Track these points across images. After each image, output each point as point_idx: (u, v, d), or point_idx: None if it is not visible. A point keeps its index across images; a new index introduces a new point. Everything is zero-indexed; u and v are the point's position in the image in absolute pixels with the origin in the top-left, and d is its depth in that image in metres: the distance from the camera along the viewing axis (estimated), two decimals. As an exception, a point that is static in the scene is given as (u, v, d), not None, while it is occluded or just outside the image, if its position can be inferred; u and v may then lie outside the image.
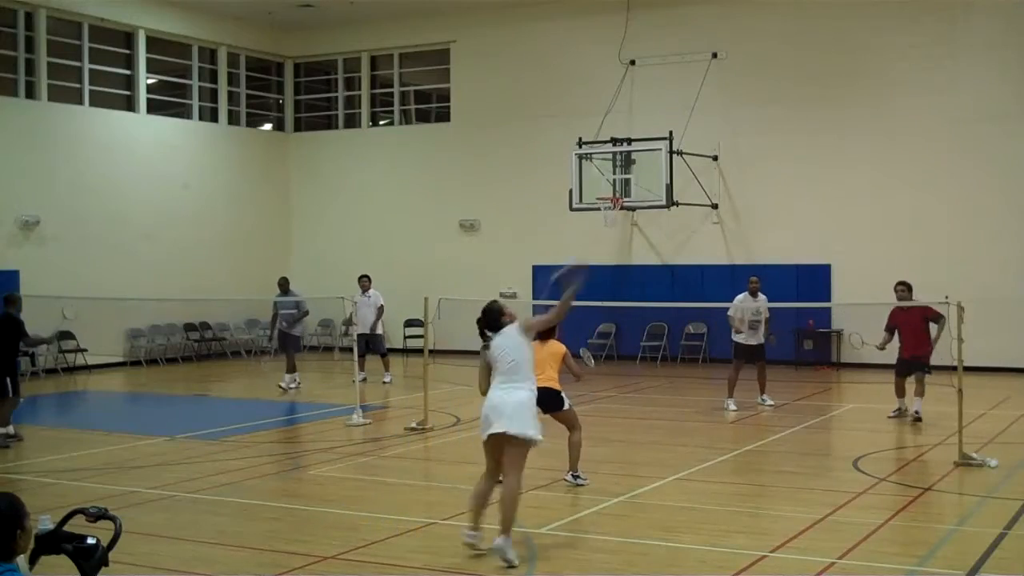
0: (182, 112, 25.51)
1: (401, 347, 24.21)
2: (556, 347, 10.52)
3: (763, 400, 16.04)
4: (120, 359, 23.25)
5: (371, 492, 10.47)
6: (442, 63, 26.21)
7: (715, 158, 22.47)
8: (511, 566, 7.66)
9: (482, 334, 8.33)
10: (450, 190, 25.73)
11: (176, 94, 25.48)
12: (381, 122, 27.86)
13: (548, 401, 10.14)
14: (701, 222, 22.81)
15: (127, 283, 22.18)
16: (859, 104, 21.71)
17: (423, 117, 27.53)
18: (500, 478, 8.16)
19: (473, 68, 25.61)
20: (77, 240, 22.17)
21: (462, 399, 17.12)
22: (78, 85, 22.97)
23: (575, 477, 10.40)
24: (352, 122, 27.64)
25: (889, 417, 14.79)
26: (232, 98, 26.55)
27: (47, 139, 21.97)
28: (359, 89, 27.46)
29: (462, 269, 24.76)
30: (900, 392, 14.81)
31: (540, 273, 24.54)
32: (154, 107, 24.61)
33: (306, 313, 19.26)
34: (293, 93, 28.21)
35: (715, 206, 22.66)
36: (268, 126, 28.26)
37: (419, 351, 17.37)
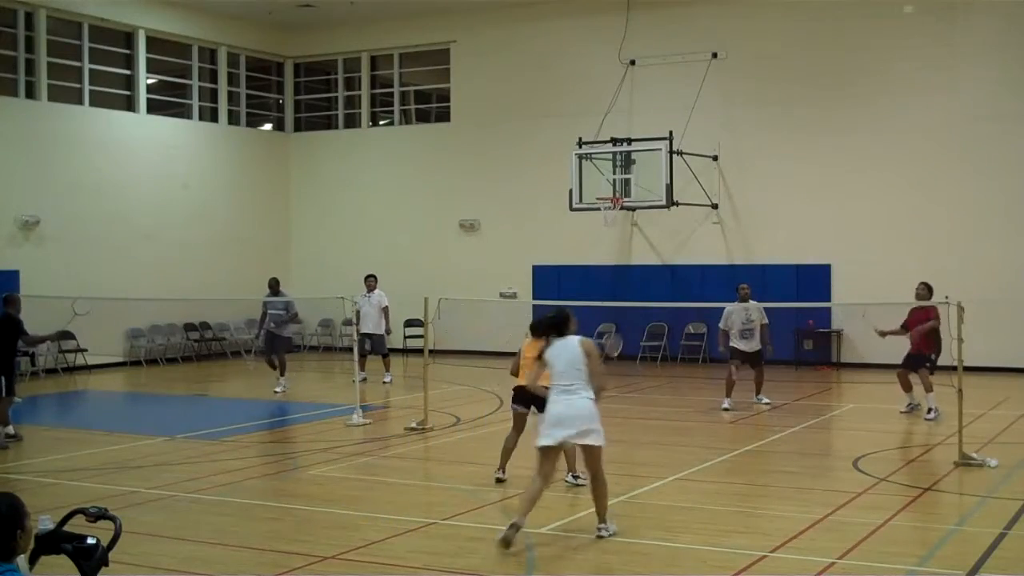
0: (182, 112, 25.51)
1: (401, 347, 24.20)
2: (538, 344, 10.51)
3: (759, 399, 16.09)
4: (120, 359, 23.25)
5: (371, 492, 10.47)
6: (442, 63, 26.20)
7: (715, 158, 22.47)
8: (612, 535, 8.39)
9: (538, 331, 8.90)
10: (450, 190, 25.73)
11: (176, 94, 25.48)
12: (381, 122, 27.86)
13: (540, 401, 10.14)
14: (701, 222, 22.81)
15: (127, 283, 22.19)
16: (859, 104, 21.71)
17: (423, 117, 27.53)
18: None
19: (473, 68, 25.61)
20: (77, 240, 22.17)
21: (462, 399, 17.14)
22: (78, 85, 22.97)
23: (575, 477, 10.41)
24: (352, 122, 27.64)
25: (902, 412, 15.01)
26: (232, 98, 26.55)
27: (47, 139, 21.97)
28: (359, 89, 27.46)
29: (462, 269, 24.77)
30: (906, 387, 15.07)
31: (540, 273, 24.58)
32: (154, 107, 24.60)
33: (295, 315, 18.97)
34: (293, 93, 28.21)
35: (715, 206, 22.66)
36: (268, 126, 28.26)
37: (419, 351, 17.37)
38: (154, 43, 24.48)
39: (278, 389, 18.14)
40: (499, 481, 10.59)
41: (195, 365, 23.92)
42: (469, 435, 14.01)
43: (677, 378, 20.77)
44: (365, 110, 27.39)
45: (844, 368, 21.47)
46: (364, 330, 18.55)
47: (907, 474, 10.99)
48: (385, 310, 19.54)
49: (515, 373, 10.56)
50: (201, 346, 24.91)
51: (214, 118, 26.12)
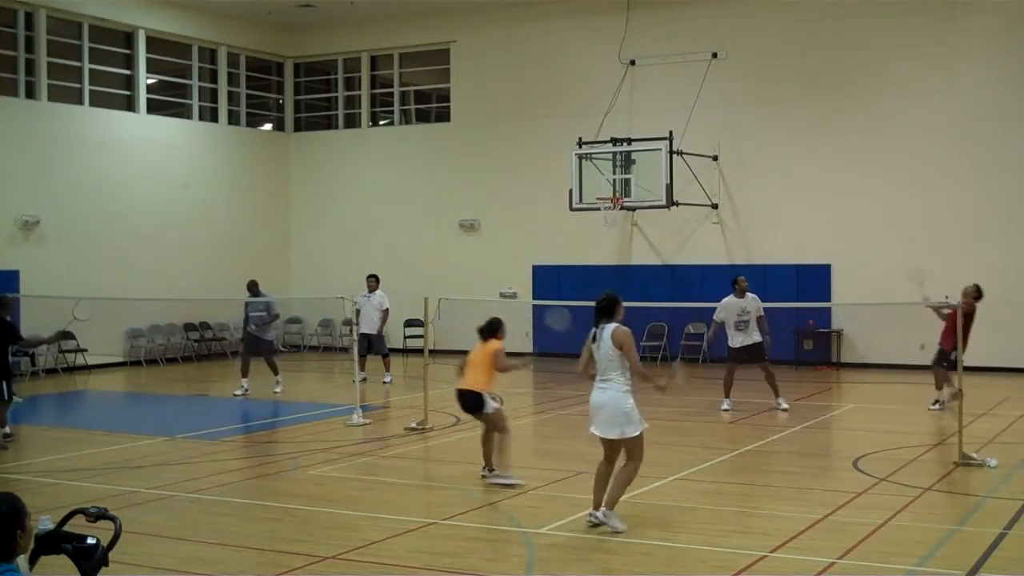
0: (182, 112, 25.51)
1: (401, 347, 24.21)
2: (490, 346, 10.81)
3: (778, 404, 15.59)
4: (120, 359, 23.25)
5: (371, 492, 10.47)
6: (442, 63, 26.20)
7: (715, 158, 22.47)
8: (616, 532, 8.47)
9: (597, 323, 8.82)
10: (450, 190, 25.73)
11: (176, 94, 25.48)
12: (381, 122, 27.86)
13: (469, 403, 10.65)
14: (701, 222, 22.81)
15: (127, 283, 22.19)
16: (859, 104, 21.71)
17: (423, 117, 27.53)
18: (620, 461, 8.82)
19: (473, 68, 25.61)
20: (77, 240, 22.17)
21: (462, 399, 17.11)
22: (78, 85, 22.97)
23: (490, 471, 10.62)
24: (352, 122, 27.64)
25: (929, 409, 15.19)
26: (232, 98, 26.55)
27: (47, 139, 21.97)
28: (359, 89, 27.46)
29: (462, 269, 24.77)
30: (939, 384, 15.20)
31: (540, 273, 24.58)
32: (154, 107, 24.60)
33: (276, 316, 18.81)
34: (293, 93, 28.21)
35: (715, 206, 22.66)
36: (268, 126, 28.26)
37: (419, 351, 17.37)
38: (154, 43, 24.48)
39: (277, 390, 18.09)
40: (484, 478, 10.74)
41: (195, 365, 23.92)
42: (469, 435, 13.97)
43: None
44: (365, 110, 27.40)
45: (844, 368, 21.48)
46: (364, 330, 18.54)
47: (907, 474, 10.98)
48: (385, 312, 19.52)
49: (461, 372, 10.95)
50: (201, 346, 24.92)
51: (214, 118, 26.12)
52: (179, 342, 24.62)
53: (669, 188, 20.25)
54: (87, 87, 23.04)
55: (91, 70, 23.16)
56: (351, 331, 16.80)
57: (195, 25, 25.21)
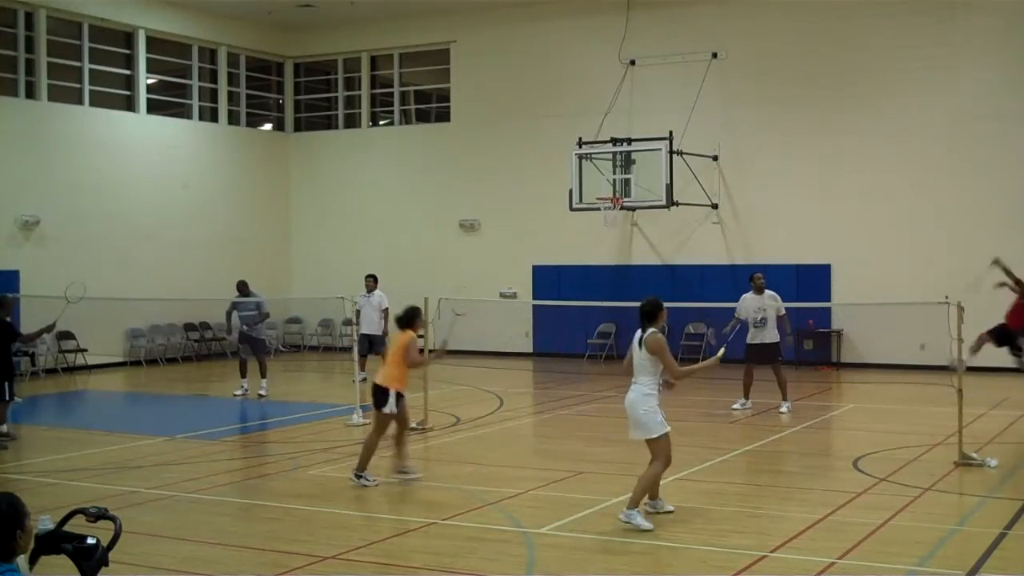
0: (182, 112, 25.51)
1: (401, 347, 24.15)
2: (401, 339, 10.59)
3: (780, 406, 15.43)
4: (120, 359, 23.25)
5: (371, 492, 10.46)
6: (442, 63, 26.21)
7: (715, 158, 22.47)
8: (642, 530, 8.52)
9: (642, 328, 8.89)
10: (450, 190, 25.74)
11: (176, 94, 25.49)
12: (381, 122, 27.86)
13: (375, 398, 10.56)
14: (701, 222, 22.81)
15: (127, 283, 22.17)
16: (859, 104, 21.71)
17: (423, 117, 27.53)
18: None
19: (473, 68, 25.62)
20: (77, 240, 22.17)
21: (462, 399, 17.14)
22: (78, 85, 22.97)
23: (358, 477, 10.44)
24: (352, 122, 27.65)
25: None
26: (232, 98, 26.55)
27: (47, 139, 21.97)
28: (359, 89, 27.46)
29: (462, 269, 24.77)
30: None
31: (540, 273, 24.58)
32: (154, 107, 24.61)
33: (266, 315, 18.69)
34: (293, 93, 28.22)
35: (715, 206, 22.66)
36: (268, 126, 28.26)
37: (419, 351, 17.33)
38: (154, 43, 24.49)
39: (261, 391, 17.96)
40: (367, 481, 10.52)
41: (195, 365, 23.92)
42: (469, 435, 14.01)
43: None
44: (365, 110, 27.40)
45: (844, 368, 21.48)
46: (364, 330, 18.52)
47: (907, 474, 10.98)
48: (385, 311, 19.49)
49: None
50: (201, 346, 24.91)
51: (214, 118, 26.12)
52: (179, 342, 24.62)
53: (669, 188, 20.25)
54: (87, 87, 23.04)
55: (91, 70, 23.16)
56: (352, 331, 16.76)
57: (195, 25, 25.21)
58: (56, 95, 22.50)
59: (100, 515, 4.48)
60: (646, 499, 8.96)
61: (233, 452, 13.24)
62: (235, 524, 9.40)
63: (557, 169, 22.12)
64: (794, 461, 12.30)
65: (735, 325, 15.69)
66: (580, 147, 21.34)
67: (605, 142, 21.73)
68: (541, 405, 17.66)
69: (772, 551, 8.07)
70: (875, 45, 21.67)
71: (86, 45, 23.05)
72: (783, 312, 15.57)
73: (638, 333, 8.88)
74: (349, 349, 17.39)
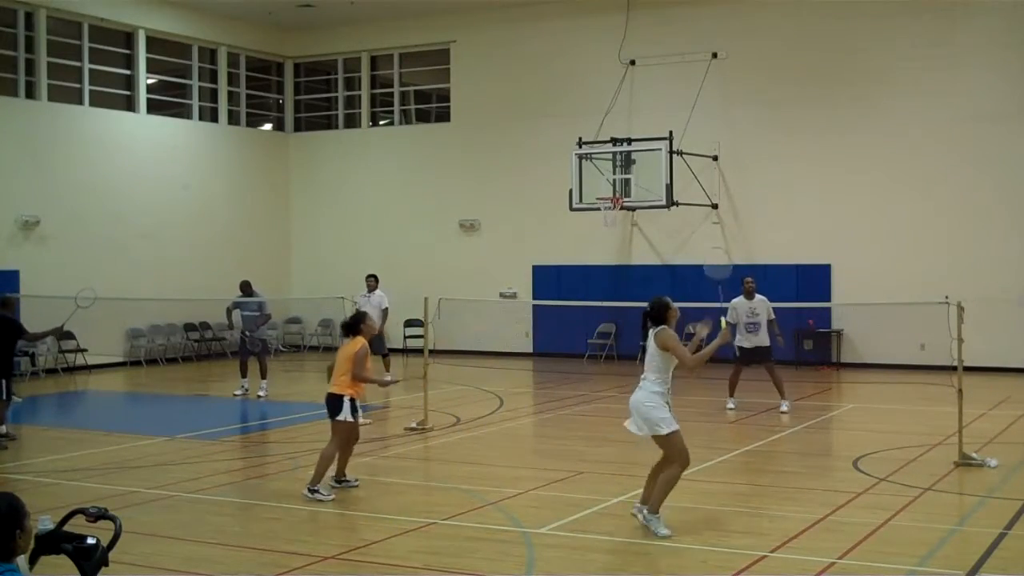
0: (182, 112, 25.51)
1: (401, 347, 24.21)
2: (350, 347, 10.15)
3: (781, 405, 15.42)
4: (120, 359, 23.25)
5: (371, 492, 10.45)
6: (442, 63, 26.21)
7: (715, 158, 22.47)
8: (662, 537, 8.30)
9: (644, 327, 8.70)
10: (450, 190, 25.74)
11: (176, 94, 25.49)
12: (381, 122, 27.87)
13: (329, 407, 10.20)
14: (701, 222, 22.81)
15: (127, 283, 22.16)
16: (859, 104, 21.71)
17: (423, 117, 27.53)
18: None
19: (473, 68, 25.62)
20: (77, 240, 22.17)
21: (462, 399, 17.14)
22: (78, 85, 22.97)
23: (312, 492, 9.91)
24: (352, 122, 27.65)
25: None
26: (232, 98, 26.55)
27: (47, 139, 21.97)
28: (359, 89, 27.46)
29: (462, 269, 24.78)
30: None
31: (540, 273, 24.58)
32: (154, 107, 24.61)
33: (268, 316, 18.69)
34: (293, 93, 28.22)
35: (715, 206, 22.66)
36: (268, 126, 28.26)
37: (419, 351, 17.36)
38: (154, 43, 24.49)
39: (261, 392, 17.92)
40: (338, 486, 10.27)
41: (195, 365, 23.92)
42: (469, 435, 14.01)
43: (677, 378, 20.71)
44: (365, 110, 27.40)
45: (844, 368, 21.48)
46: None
47: (907, 474, 10.98)
48: (385, 312, 19.47)
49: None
50: (201, 346, 24.91)
51: (214, 118, 26.12)
52: (179, 342, 24.62)
53: (669, 188, 20.26)
54: (87, 87, 23.04)
55: (91, 70, 23.16)
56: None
57: (195, 25, 25.22)
58: (56, 95, 22.50)
59: (100, 515, 4.48)
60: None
61: (233, 452, 13.24)
62: (235, 524, 9.40)
63: (557, 169, 22.12)
64: (794, 461, 12.30)
65: (729, 324, 15.71)
66: (580, 147, 21.34)
67: (605, 142, 21.73)
68: (541, 405, 17.65)
69: (772, 551, 8.07)
70: (875, 45, 21.68)
71: (86, 45, 23.05)
72: (773, 316, 15.63)
73: (651, 335, 8.64)
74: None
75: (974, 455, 11.36)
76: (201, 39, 25.56)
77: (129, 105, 24.04)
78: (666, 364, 8.59)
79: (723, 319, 8.79)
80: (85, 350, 21.85)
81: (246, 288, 18.45)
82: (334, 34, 27.05)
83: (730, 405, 15.63)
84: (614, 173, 21.38)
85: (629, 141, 21.47)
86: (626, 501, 9.70)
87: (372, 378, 10.63)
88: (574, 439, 13.90)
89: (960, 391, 11.43)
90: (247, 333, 18.26)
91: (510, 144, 24.96)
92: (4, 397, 13.48)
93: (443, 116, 26.57)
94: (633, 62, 23.49)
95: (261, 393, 17.82)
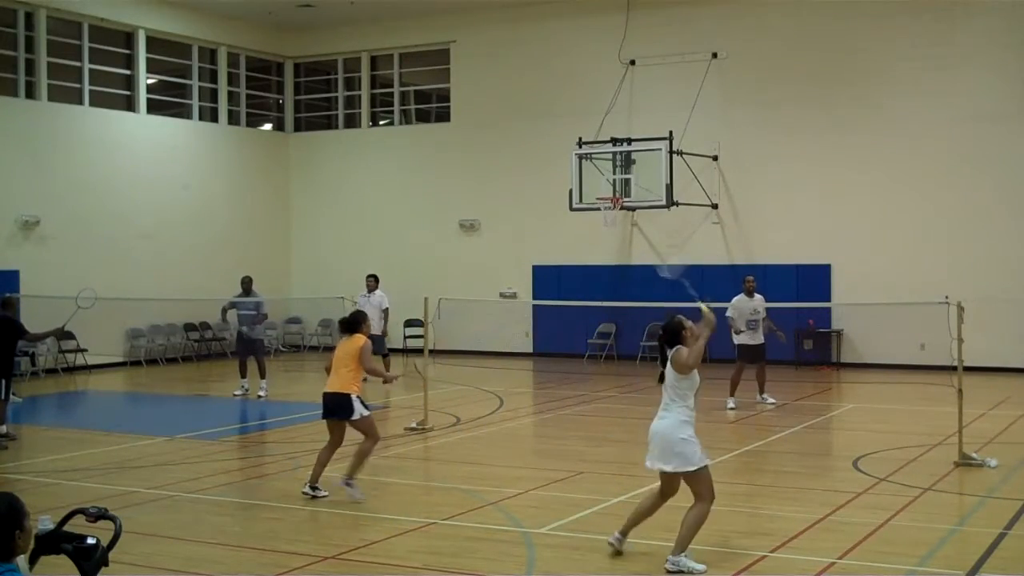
0: (182, 112, 25.51)
1: (401, 347, 24.20)
2: (353, 343, 10.02)
3: (763, 399, 16.11)
4: (120, 359, 23.25)
5: (371, 492, 10.45)
6: (442, 63, 26.21)
7: (715, 158, 22.47)
8: (697, 573, 7.58)
9: (661, 351, 8.02)
10: (450, 190, 25.73)
11: (176, 94, 25.48)
12: (381, 122, 27.86)
13: (336, 407, 10.01)
14: (701, 222, 22.81)
15: (127, 283, 22.16)
16: (859, 104, 21.71)
17: (423, 117, 27.53)
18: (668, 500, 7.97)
19: (473, 68, 25.62)
20: (77, 240, 22.17)
21: (462, 399, 17.14)
22: (78, 85, 22.97)
23: (347, 484, 9.87)
24: (352, 122, 27.64)
25: None
26: (232, 98, 26.55)
27: (47, 139, 21.96)
28: (359, 89, 27.46)
29: (462, 269, 24.78)
30: None
31: (540, 273, 24.58)
32: (154, 107, 24.60)
33: (264, 316, 18.62)
34: (293, 93, 28.22)
35: (715, 206, 22.66)
36: (268, 126, 28.26)
37: (419, 351, 17.36)
38: (154, 43, 24.48)
39: (261, 392, 17.86)
40: (311, 495, 9.99)
41: (195, 365, 23.92)
42: (469, 435, 14.01)
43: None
44: (365, 110, 27.40)
45: (844, 368, 21.47)
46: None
47: (907, 474, 10.98)
48: (385, 312, 19.47)
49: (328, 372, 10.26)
50: (201, 346, 24.91)
51: (214, 118, 26.12)
52: (179, 342, 24.62)
53: (669, 188, 20.25)
54: (87, 87, 23.04)
55: (91, 70, 23.15)
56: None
57: (195, 25, 25.21)
58: (56, 95, 22.49)
59: (100, 515, 4.48)
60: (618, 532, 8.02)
61: (233, 452, 13.24)
62: (235, 524, 9.40)
63: (557, 169, 22.12)
64: (794, 461, 12.30)
65: (738, 329, 15.95)
66: (580, 147, 21.34)
67: (605, 142, 21.73)
68: (541, 405, 17.65)
69: (772, 551, 8.07)
70: (875, 45, 21.68)
71: (86, 45, 23.05)
72: (765, 314, 15.98)
73: (668, 357, 7.92)
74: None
75: (974, 455, 11.36)
76: (201, 39, 25.56)
77: (129, 105, 24.04)
78: (690, 387, 7.84)
79: (700, 303, 8.07)
80: (85, 350, 21.85)
81: (247, 285, 18.43)
82: (334, 34, 27.05)
83: (731, 404, 15.67)
84: (614, 173, 21.37)
85: (629, 141, 21.46)
86: (626, 501, 9.69)
87: (381, 371, 10.60)
88: (574, 439, 13.91)
89: (960, 391, 11.43)
90: (244, 328, 18.26)
91: (510, 144, 24.96)
92: (4, 397, 13.49)
93: (443, 116, 26.57)
94: (633, 62, 23.49)
95: (261, 393, 17.82)
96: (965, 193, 20.87)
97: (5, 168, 21.32)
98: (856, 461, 11.65)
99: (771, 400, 16.05)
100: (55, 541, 4.28)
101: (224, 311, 18.75)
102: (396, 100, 27.26)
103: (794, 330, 21.59)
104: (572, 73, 24.26)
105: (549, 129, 23.86)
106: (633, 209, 21.97)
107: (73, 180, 22.30)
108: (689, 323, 7.90)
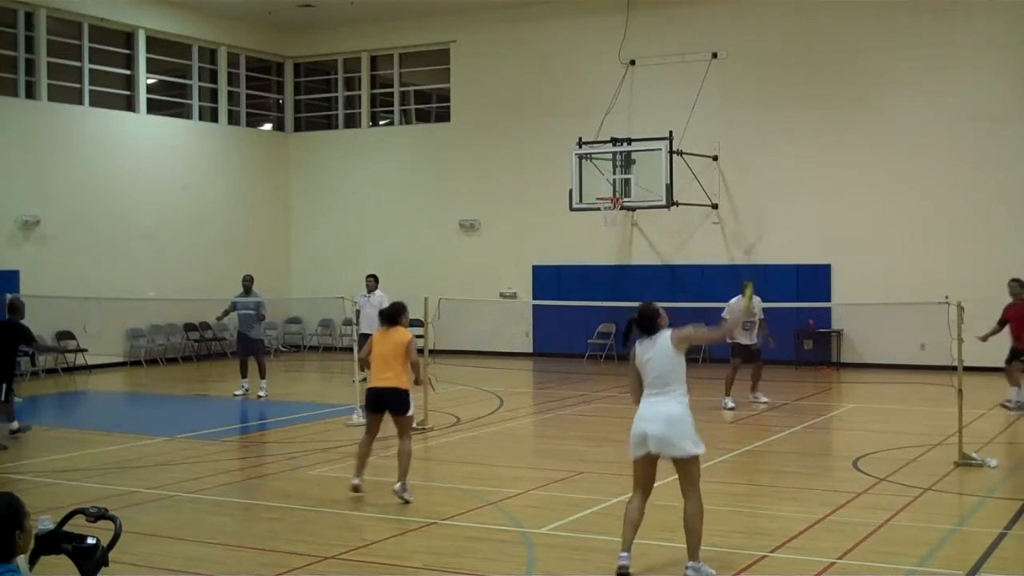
0: (182, 112, 25.51)
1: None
2: (399, 336, 9.93)
3: (755, 397, 16.20)
4: (120, 359, 23.24)
5: (371, 492, 10.44)
6: (442, 63, 26.21)
7: (715, 158, 22.47)
8: None
9: (627, 335, 7.68)
10: (450, 190, 25.74)
11: (176, 94, 25.49)
12: (381, 122, 27.86)
13: (393, 402, 9.93)
14: (701, 222, 22.81)
15: (127, 283, 22.18)
16: (859, 104, 21.72)
17: (423, 117, 27.53)
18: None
19: (473, 68, 25.62)
20: (77, 240, 22.17)
21: (462, 399, 17.13)
22: (78, 85, 22.97)
23: (403, 489, 9.79)
24: (352, 122, 27.65)
25: (1001, 405, 15.37)
26: (232, 98, 26.55)
27: (47, 139, 21.96)
28: (359, 89, 27.46)
29: (462, 269, 24.78)
30: (1013, 381, 15.47)
31: (540, 273, 24.58)
32: (154, 107, 24.61)
33: (263, 316, 18.61)
34: (293, 93, 28.22)
35: (715, 206, 22.66)
36: (268, 126, 28.26)
37: (419, 351, 17.35)
38: (154, 43, 24.49)
39: (261, 392, 17.85)
40: (355, 489, 9.96)
41: (195, 365, 23.92)
42: (469, 435, 14.01)
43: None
44: (365, 110, 27.40)
45: (844, 368, 21.47)
46: (364, 330, 18.46)
47: (907, 474, 10.98)
48: (384, 312, 19.41)
49: (366, 365, 10.16)
50: (201, 346, 24.91)
51: (214, 118, 26.12)
52: (179, 342, 24.62)
53: (669, 188, 20.25)
54: (87, 87, 23.04)
55: (91, 70, 23.15)
56: (352, 331, 16.74)
57: (195, 25, 25.22)
58: (56, 95, 22.49)
59: (100, 515, 4.48)
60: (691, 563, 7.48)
61: (233, 452, 13.24)
62: (235, 524, 9.41)
63: (557, 169, 22.12)
64: (794, 461, 12.30)
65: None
66: (580, 147, 21.34)
67: (605, 142, 21.73)
68: (541, 405, 17.65)
69: (772, 551, 8.07)
70: (875, 45, 21.68)
71: (86, 45, 23.05)
72: (762, 316, 16.08)
73: (646, 344, 7.47)
74: (349, 349, 17.38)
75: (974, 455, 11.36)
76: (201, 39, 25.56)
77: (129, 105, 24.04)
78: (684, 369, 7.56)
79: (744, 283, 8.06)
80: (85, 350, 21.85)
81: (248, 284, 18.43)
82: (334, 34, 27.05)
83: (729, 404, 15.69)
84: (614, 173, 21.37)
85: (629, 141, 21.46)
86: (626, 501, 9.69)
87: (420, 369, 10.38)
88: (574, 439, 13.91)
89: (960, 391, 11.43)
90: (243, 328, 18.26)
91: (510, 144, 24.96)
92: (3, 398, 13.49)
93: (443, 116, 26.57)
94: (633, 62, 23.49)
95: (261, 393, 17.82)
96: (965, 193, 20.87)
97: (5, 168, 21.32)
98: (856, 461, 11.65)
99: (763, 399, 16.10)
100: (55, 541, 4.28)
101: (225, 313, 18.72)
102: (396, 100, 27.27)
103: (794, 330, 21.61)
104: (572, 73, 24.26)
105: (549, 129, 23.87)
106: (633, 209, 21.97)
107: (73, 180, 22.30)
108: (664, 313, 7.65)
